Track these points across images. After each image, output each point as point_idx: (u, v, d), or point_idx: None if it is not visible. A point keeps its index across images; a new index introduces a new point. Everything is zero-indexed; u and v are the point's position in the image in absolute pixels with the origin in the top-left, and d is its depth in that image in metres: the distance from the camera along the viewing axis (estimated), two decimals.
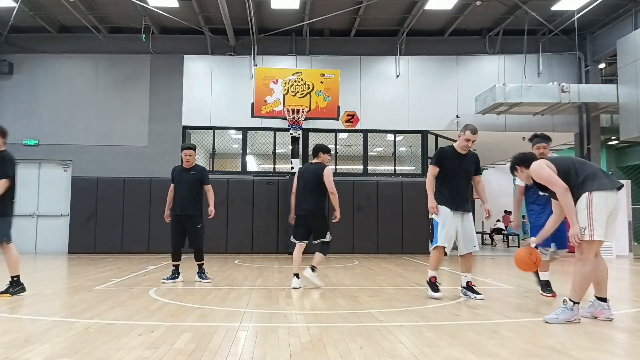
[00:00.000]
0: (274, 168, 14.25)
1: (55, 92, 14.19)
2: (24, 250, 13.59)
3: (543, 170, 4.55)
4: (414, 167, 14.72)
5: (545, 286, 6.21)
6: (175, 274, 7.36)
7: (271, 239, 13.78)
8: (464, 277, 6.05)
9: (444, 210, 5.88)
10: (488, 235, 19.82)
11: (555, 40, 14.46)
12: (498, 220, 20.27)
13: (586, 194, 4.42)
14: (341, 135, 14.48)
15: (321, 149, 6.77)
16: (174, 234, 7.35)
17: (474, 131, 5.96)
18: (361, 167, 14.31)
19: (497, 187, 23.79)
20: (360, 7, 12.91)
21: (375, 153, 15.88)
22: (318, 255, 6.74)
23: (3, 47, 14.17)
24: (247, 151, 14.30)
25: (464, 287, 6.04)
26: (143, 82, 14.35)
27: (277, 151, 14.22)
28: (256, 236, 13.79)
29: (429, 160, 14.47)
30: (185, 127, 14.18)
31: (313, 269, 6.74)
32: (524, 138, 15.59)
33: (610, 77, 16.08)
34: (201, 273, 7.47)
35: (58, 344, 3.62)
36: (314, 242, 6.76)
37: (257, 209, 13.85)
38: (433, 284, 5.88)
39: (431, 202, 5.92)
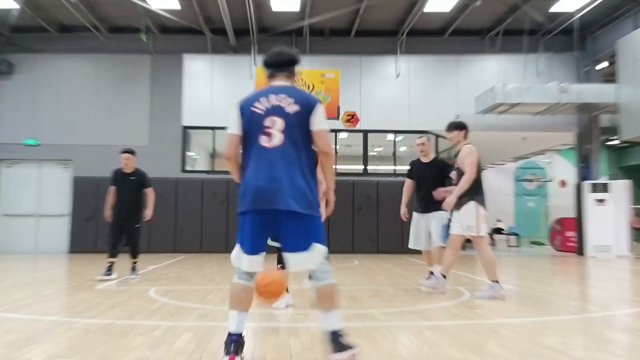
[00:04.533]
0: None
1: (56, 92, 14.19)
2: (25, 250, 13.63)
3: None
4: None
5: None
6: (109, 270, 7.60)
7: None
8: (434, 269, 6.64)
9: (412, 215, 6.79)
10: (488, 235, 19.83)
11: (555, 40, 14.45)
12: (498, 220, 20.28)
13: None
14: (341, 135, 14.48)
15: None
16: (114, 234, 7.72)
17: (420, 137, 6.90)
18: (361, 167, 14.31)
19: (497, 187, 23.80)
20: (360, 7, 12.91)
21: (375, 153, 15.88)
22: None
23: (4, 47, 14.17)
24: None
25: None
26: (143, 82, 14.35)
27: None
28: None
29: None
30: (185, 127, 14.18)
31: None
32: (524, 138, 15.64)
33: (610, 77, 16.06)
34: (133, 269, 7.85)
35: (58, 344, 3.63)
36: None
37: None
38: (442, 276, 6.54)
39: (401, 209, 6.91)
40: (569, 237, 15.42)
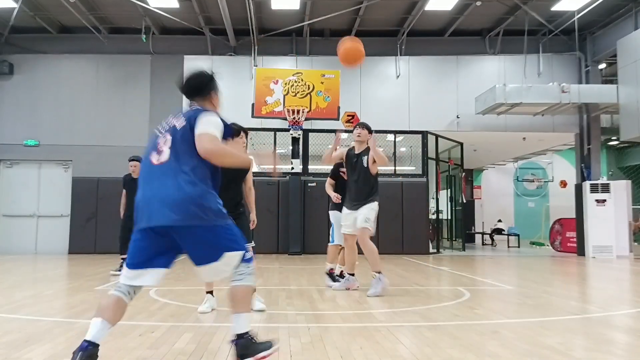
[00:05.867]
0: (274, 168, 14.23)
1: (56, 93, 14.18)
2: (25, 250, 13.63)
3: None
4: (414, 168, 14.72)
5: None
6: (122, 266, 8.33)
7: (271, 239, 13.77)
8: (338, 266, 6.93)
9: (335, 212, 6.77)
10: (488, 235, 19.81)
11: (556, 40, 14.45)
12: (499, 221, 20.27)
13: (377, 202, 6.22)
14: (341, 135, 14.45)
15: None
16: (124, 233, 8.41)
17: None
18: None
19: (497, 187, 23.81)
20: (361, 7, 12.90)
21: None
22: None
23: (3, 48, 14.17)
24: (247, 151, 14.23)
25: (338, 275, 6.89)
26: (143, 82, 14.35)
27: (277, 151, 14.20)
28: (256, 236, 13.56)
29: (429, 161, 14.57)
30: None
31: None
32: (524, 138, 15.64)
33: (610, 78, 16.06)
34: None
35: (58, 344, 3.63)
36: None
37: (257, 210, 13.78)
38: (331, 275, 6.84)
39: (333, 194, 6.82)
40: (569, 237, 15.42)
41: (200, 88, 3.27)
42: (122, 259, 8.44)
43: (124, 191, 8.80)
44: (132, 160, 8.76)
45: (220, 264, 2.87)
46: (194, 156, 2.92)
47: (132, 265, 2.95)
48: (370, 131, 6.57)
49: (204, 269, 2.90)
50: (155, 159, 3.03)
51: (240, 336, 2.91)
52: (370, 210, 6.18)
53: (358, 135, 6.49)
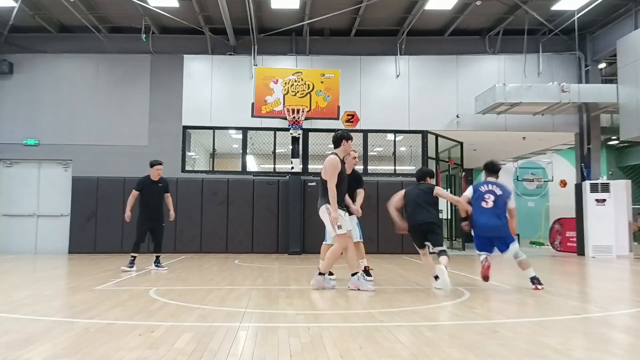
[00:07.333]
0: (274, 168, 14.25)
1: (56, 92, 14.19)
2: (25, 250, 13.64)
3: None
4: (414, 167, 14.70)
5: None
6: (132, 263, 8.82)
7: (271, 239, 13.78)
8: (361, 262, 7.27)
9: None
10: None
11: (555, 40, 14.45)
12: None
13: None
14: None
15: (428, 174, 7.27)
16: (143, 232, 8.93)
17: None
18: (361, 167, 14.28)
19: None
20: (361, 7, 12.90)
21: (375, 153, 15.86)
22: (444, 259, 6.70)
23: (3, 47, 14.17)
24: (247, 151, 14.29)
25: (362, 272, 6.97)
26: (143, 82, 14.35)
27: (277, 151, 14.21)
28: (256, 236, 13.78)
29: (429, 161, 14.56)
30: (185, 127, 14.17)
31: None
32: (524, 138, 15.64)
33: (610, 77, 16.06)
34: (158, 263, 9.05)
35: (58, 344, 3.63)
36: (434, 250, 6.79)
37: (257, 209, 13.84)
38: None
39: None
40: (569, 237, 15.41)
41: (499, 170, 6.88)
42: (133, 256, 8.84)
43: (135, 191, 8.89)
44: (157, 164, 8.96)
45: (509, 251, 6.72)
46: (504, 209, 6.62)
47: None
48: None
49: (506, 253, 6.73)
50: (485, 204, 6.62)
51: (532, 277, 6.71)
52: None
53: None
